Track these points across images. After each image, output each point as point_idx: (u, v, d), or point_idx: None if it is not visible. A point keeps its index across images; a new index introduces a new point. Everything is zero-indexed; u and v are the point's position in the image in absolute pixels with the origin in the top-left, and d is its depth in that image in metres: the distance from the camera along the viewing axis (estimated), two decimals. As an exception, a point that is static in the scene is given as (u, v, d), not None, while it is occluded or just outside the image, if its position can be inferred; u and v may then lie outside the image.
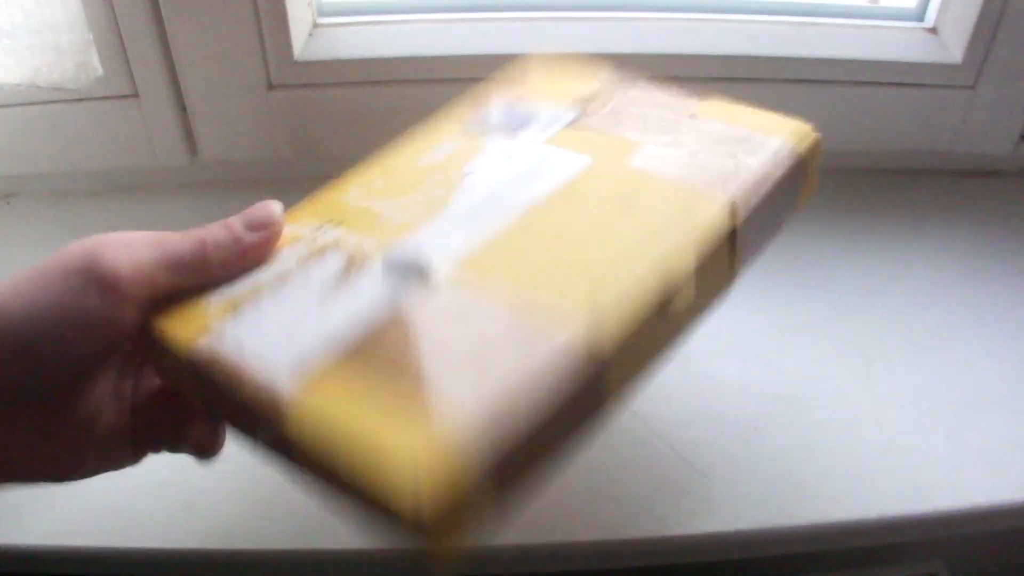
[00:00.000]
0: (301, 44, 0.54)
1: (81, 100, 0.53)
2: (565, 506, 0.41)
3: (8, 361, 0.27)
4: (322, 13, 0.56)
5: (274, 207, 0.35)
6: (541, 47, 0.55)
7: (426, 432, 0.26)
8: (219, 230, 0.33)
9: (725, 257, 0.35)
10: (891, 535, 0.43)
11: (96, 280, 0.28)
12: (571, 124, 0.40)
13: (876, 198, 0.61)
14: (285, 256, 0.34)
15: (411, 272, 0.32)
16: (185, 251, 0.31)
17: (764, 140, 0.38)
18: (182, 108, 0.54)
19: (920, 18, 0.60)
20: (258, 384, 0.29)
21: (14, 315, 0.27)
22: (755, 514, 0.41)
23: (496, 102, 0.43)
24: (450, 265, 0.32)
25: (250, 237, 0.33)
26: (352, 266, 0.33)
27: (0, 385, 0.28)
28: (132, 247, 0.29)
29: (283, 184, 0.60)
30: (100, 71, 0.52)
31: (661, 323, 0.32)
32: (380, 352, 0.29)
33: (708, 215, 0.34)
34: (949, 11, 0.58)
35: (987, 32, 0.55)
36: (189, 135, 0.56)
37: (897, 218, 0.60)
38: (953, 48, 0.57)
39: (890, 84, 0.58)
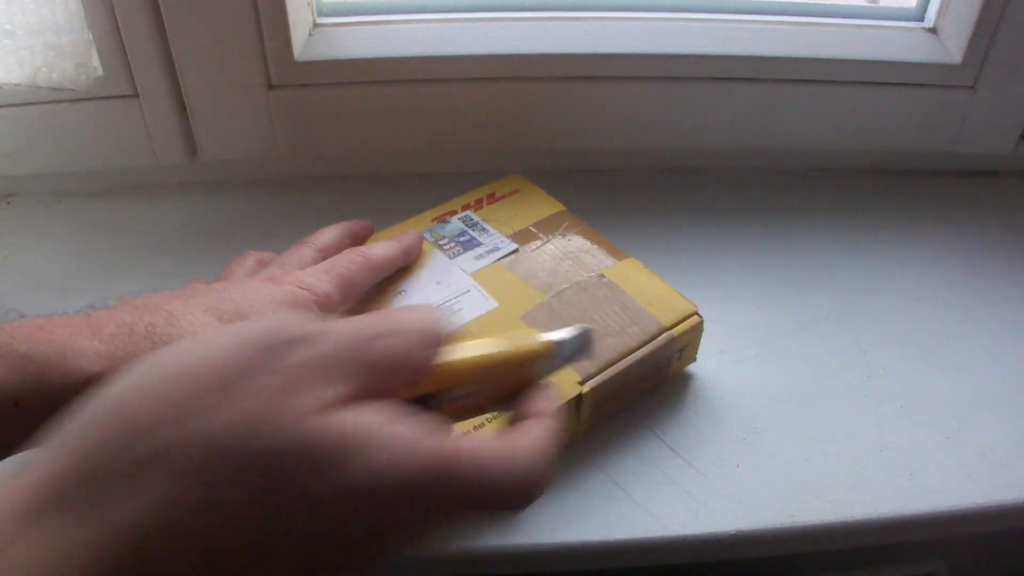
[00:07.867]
0: (301, 44, 0.54)
1: (81, 100, 0.53)
2: (566, 506, 0.41)
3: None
4: (322, 13, 0.56)
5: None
6: (540, 47, 0.55)
7: None
8: (400, 258, 0.45)
9: (572, 416, 0.42)
10: (891, 535, 0.43)
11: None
12: (504, 258, 0.48)
13: (876, 198, 0.61)
14: None
15: None
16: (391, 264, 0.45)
17: (647, 319, 0.44)
18: (182, 108, 0.54)
19: (920, 18, 0.60)
20: None
21: None
22: (755, 514, 0.41)
23: (457, 218, 0.50)
24: None
25: (402, 263, 0.46)
26: None
27: None
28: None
29: (283, 184, 0.60)
30: (100, 71, 0.52)
31: None
32: None
33: (560, 387, 0.41)
34: (949, 11, 0.58)
35: (987, 32, 0.55)
36: (189, 135, 0.56)
37: (897, 218, 0.60)
38: (953, 48, 0.57)
39: (890, 84, 0.58)
